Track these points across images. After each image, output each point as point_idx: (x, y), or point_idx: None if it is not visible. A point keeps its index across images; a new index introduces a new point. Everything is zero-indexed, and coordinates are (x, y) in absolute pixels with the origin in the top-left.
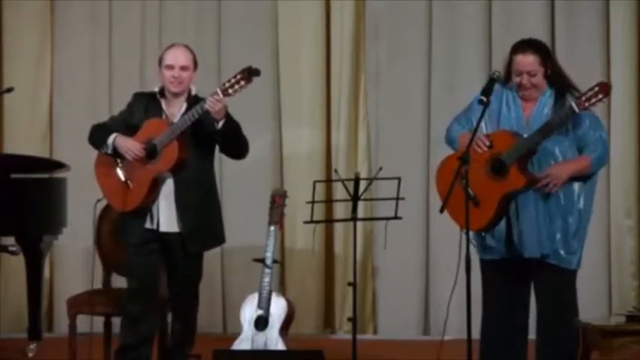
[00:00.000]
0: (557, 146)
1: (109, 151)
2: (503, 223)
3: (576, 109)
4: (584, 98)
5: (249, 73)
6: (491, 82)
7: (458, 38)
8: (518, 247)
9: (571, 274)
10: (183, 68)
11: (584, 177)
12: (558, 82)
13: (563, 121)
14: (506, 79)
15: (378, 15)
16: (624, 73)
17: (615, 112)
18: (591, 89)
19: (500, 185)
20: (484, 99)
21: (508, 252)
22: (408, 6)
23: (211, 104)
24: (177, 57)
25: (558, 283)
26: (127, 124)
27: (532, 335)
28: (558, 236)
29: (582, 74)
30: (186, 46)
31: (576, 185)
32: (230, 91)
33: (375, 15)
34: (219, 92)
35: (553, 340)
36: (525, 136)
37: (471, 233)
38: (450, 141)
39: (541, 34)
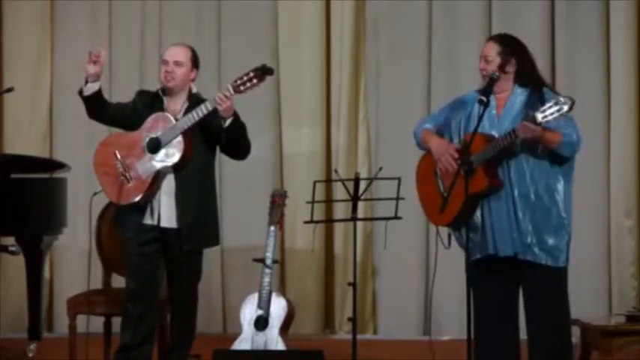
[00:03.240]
0: (529, 157)
1: (86, 91)
2: (479, 219)
3: (539, 120)
4: (547, 112)
5: (263, 72)
6: (490, 82)
7: (458, 38)
8: (491, 245)
9: (559, 272)
10: (176, 63)
11: (558, 159)
12: (531, 80)
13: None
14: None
15: (378, 15)
16: (624, 73)
17: (615, 112)
18: (555, 102)
19: (467, 185)
20: (484, 99)
21: (490, 249)
22: (408, 6)
23: (220, 101)
24: (172, 52)
25: (545, 281)
26: (123, 111)
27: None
28: (535, 235)
29: (582, 74)
30: (187, 45)
31: (557, 180)
32: (242, 88)
33: (375, 15)
34: (231, 89)
35: (542, 341)
36: (497, 136)
37: (449, 232)
38: (415, 138)
39: (541, 34)
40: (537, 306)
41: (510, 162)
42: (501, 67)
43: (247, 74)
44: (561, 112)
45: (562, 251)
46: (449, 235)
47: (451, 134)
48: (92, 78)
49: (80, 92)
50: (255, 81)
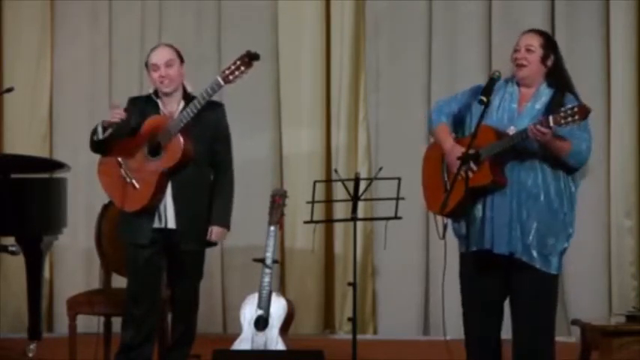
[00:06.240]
0: (544, 159)
1: (100, 136)
2: (480, 212)
3: (551, 124)
4: (562, 114)
5: (249, 58)
6: (491, 81)
7: (458, 38)
8: (488, 240)
9: (550, 278)
10: (168, 65)
11: (564, 167)
12: (559, 80)
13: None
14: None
15: (378, 15)
16: (624, 73)
17: (615, 112)
18: (571, 108)
19: (470, 178)
20: (484, 99)
21: (486, 244)
22: (408, 6)
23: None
24: (159, 55)
25: (534, 285)
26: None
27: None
28: (537, 236)
29: (582, 74)
30: (167, 44)
31: (569, 184)
32: (231, 77)
33: (375, 15)
34: (220, 80)
35: (523, 344)
36: (514, 131)
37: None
38: (429, 123)
39: None
40: (523, 308)
41: (524, 161)
42: (543, 60)
43: (234, 63)
44: (575, 119)
45: (557, 258)
46: (444, 226)
47: (463, 129)
48: (107, 124)
49: (93, 133)
50: (242, 68)
